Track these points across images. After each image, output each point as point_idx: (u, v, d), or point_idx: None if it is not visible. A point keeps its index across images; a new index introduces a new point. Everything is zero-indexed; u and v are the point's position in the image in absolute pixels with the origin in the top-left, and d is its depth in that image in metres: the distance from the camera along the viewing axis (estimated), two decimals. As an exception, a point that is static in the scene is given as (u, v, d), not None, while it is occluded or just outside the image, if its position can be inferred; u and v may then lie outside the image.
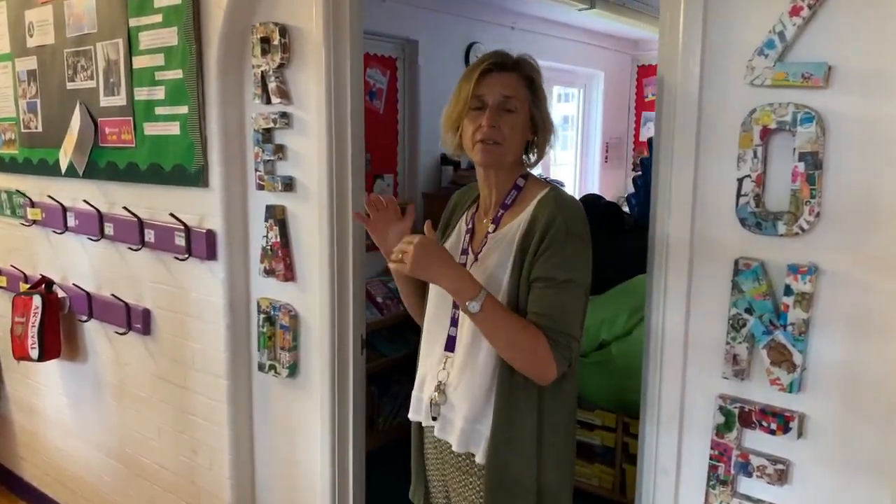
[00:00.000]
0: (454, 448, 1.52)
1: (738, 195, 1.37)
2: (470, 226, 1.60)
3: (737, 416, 1.42)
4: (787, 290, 1.33)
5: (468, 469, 1.54)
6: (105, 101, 2.58)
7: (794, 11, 1.27)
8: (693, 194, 1.44)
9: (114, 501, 2.93)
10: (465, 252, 1.57)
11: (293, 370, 2.24)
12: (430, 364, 1.59)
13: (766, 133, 1.32)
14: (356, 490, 2.24)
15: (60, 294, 2.93)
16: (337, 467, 2.19)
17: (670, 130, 1.46)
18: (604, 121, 6.57)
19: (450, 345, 1.54)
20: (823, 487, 1.35)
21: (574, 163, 6.59)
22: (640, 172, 4.92)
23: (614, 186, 6.77)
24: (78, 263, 2.86)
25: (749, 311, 1.38)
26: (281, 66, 2.10)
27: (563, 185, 5.01)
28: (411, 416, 1.66)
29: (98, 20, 2.54)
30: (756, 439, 1.41)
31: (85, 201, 2.69)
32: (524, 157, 1.56)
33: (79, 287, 2.83)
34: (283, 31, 2.08)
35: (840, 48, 1.25)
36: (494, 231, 1.51)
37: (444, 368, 1.54)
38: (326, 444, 2.18)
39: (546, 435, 1.48)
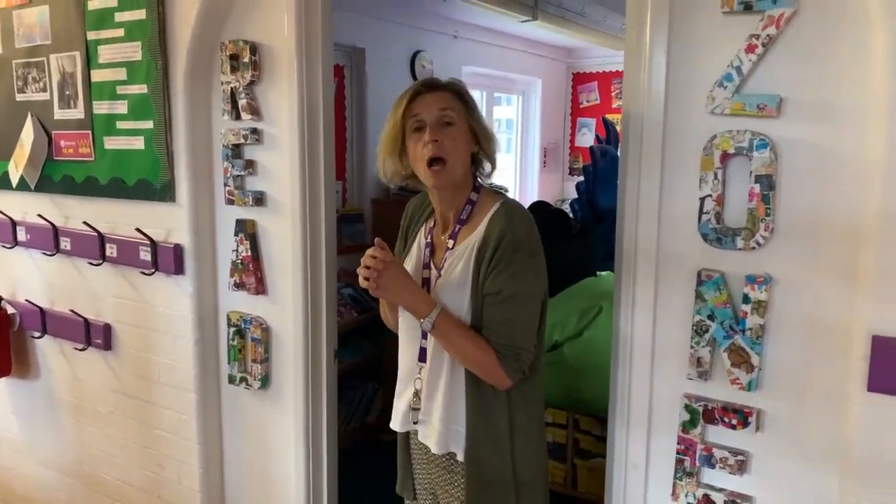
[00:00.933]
0: (434, 451, 1.60)
1: (701, 213, 1.51)
2: (429, 240, 1.65)
3: (701, 414, 1.56)
4: (745, 299, 1.47)
5: (452, 468, 1.62)
6: (60, 114, 2.54)
7: (750, 49, 1.41)
8: (659, 211, 1.57)
9: (71, 520, 2.88)
10: (426, 266, 1.62)
11: (265, 382, 2.28)
12: (405, 375, 1.67)
13: (726, 157, 1.46)
14: (330, 496, 2.29)
15: (10, 310, 2.85)
16: (312, 475, 2.24)
17: (637, 154, 1.58)
18: (542, 126, 6.77)
19: (422, 356, 1.61)
20: (779, 475, 1.50)
21: (514, 167, 6.77)
22: (581, 178, 5.11)
23: (552, 190, 6.99)
24: (29, 279, 2.80)
25: (711, 317, 1.52)
26: (251, 83, 2.13)
27: (506, 190, 5.15)
28: (392, 425, 1.72)
29: (52, 32, 2.51)
30: (718, 434, 1.55)
31: (39, 215, 2.63)
32: (478, 169, 1.62)
33: (31, 303, 2.77)
34: (254, 48, 2.11)
35: (791, 82, 1.40)
36: (453, 247, 1.57)
37: (419, 377, 1.62)
38: (301, 453, 2.23)
39: (518, 430, 1.56)
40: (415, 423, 1.65)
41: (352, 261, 4.29)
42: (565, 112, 7.11)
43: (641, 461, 1.67)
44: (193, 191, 2.26)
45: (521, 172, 6.79)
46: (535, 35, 5.78)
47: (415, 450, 1.73)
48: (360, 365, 4.04)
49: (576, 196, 4.93)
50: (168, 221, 2.32)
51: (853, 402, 1.35)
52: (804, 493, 1.48)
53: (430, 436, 1.60)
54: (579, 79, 7.00)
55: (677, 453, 1.60)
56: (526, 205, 4.39)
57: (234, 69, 2.15)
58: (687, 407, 1.57)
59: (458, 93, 1.55)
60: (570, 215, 4.76)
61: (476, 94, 6.12)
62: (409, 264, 1.67)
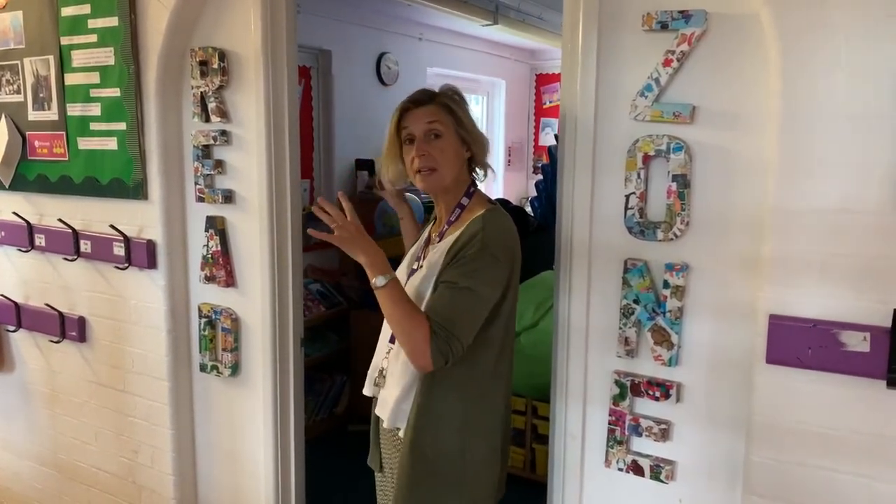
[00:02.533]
0: (384, 424, 1.74)
1: (626, 208, 1.69)
2: (427, 236, 1.81)
3: (629, 388, 1.74)
4: (665, 284, 1.66)
5: (396, 444, 1.76)
6: (34, 116, 2.64)
7: (667, 62, 1.59)
8: (590, 206, 1.75)
9: (46, 507, 2.98)
10: (418, 259, 1.77)
11: (235, 369, 2.41)
12: (379, 352, 1.82)
13: (647, 159, 1.64)
14: (297, 477, 2.44)
15: (-15, 305, 2.94)
16: (280, 457, 2.38)
17: (572, 155, 1.76)
18: (506, 126, 6.96)
19: (393, 337, 1.74)
20: (696, 440, 1.70)
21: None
22: (541, 177, 5.29)
23: (516, 188, 7.19)
24: (3, 274, 2.89)
25: (636, 301, 1.70)
26: (220, 87, 2.26)
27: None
28: (365, 391, 1.85)
29: (26, 36, 2.60)
30: (644, 405, 1.74)
31: (14, 213, 2.73)
32: (474, 173, 1.77)
33: (6, 297, 2.86)
34: (222, 55, 2.24)
35: (702, 93, 1.58)
36: (439, 243, 1.71)
37: (386, 357, 1.77)
38: (269, 436, 2.37)
39: (467, 414, 1.66)
40: (374, 397, 1.81)
41: (319, 257, 4.43)
42: (529, 112, 7.32)
43: (578, 432, 1.85)
44: (165, 189, 2.39)
45: (486, 171, 6.96)
46: (498, 38, 5.96)
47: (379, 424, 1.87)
48: (328, 358, 4.17)
49: (535, 194, 5.12)
50: (141, 218, 2.44)
51: (755, 373, 1.54)
52: (718, 456, 1.67)
53: (385, 410, 1.74)
54: (543, 80, 7.21)
55: (609, 424, 1.78)
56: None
57: (203, 74, 2.28)
58: (617, 382, 1.76)
59: (444, 105, 1.67)
60: (530, 212, 4.95)
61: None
62: (407, 257, 1.85)
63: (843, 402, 1.46)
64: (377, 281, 1.56)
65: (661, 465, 1.72)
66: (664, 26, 1.58)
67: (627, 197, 1.68)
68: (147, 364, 2.54)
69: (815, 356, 1.46)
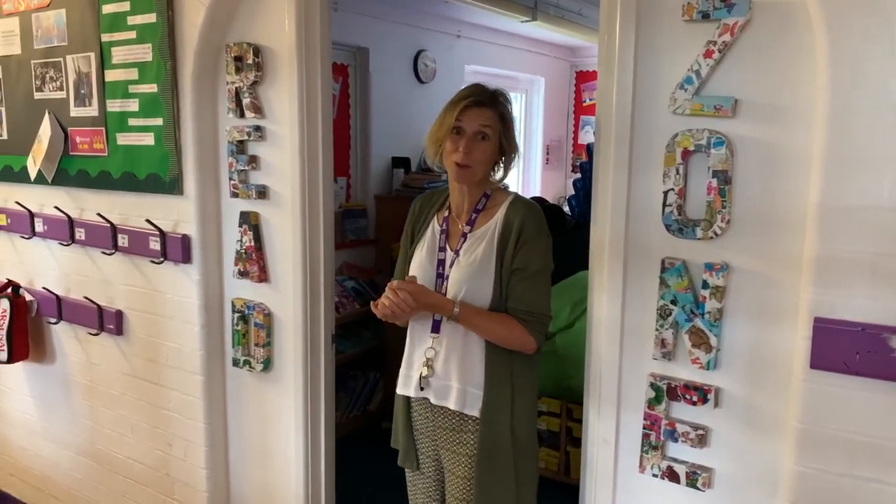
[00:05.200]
0: (452, 407, 1.80)
1: (664, 205, 1.63)
2: (443, 227, 1.87)
3: (665, 391, 1.68)
4: (704, 284, 1.59)
5: (462, 427, 1.81)
6: (76, 112, 2.69)
7: (708, 54, 1.53)
8: (627, 204, 1.69)
9: (84, 497, 3.03)
10: (442, 249, 1.85)
11: (267, 364, 2.42)
12: (418, 345, 1.87)
13: (687, 154, 1.58)
14: (328, 473, 2.43)
15: (28, 297, 3.01)
16: (310, 453, 2.38)
17: (608, 150, 1.71)
18: (544, 124, 6.88)
19: (435, 328, 1.82)
20: (735, 447, 1.63)
21: (517, 164, 6.87)
22: (579, 175, 5.21)
23: (554, 187, 7.10)
24: (46, 267, 2.95)
25: (674, 302, 1.64)
26: (255, 83, 2.27)
27: (507, 187, 5.25)
28: (400, 390, 1.92)
29: (69, 34, 2.65)
30: (681, 410, 1.68)
31: (56, 207, 2.79)
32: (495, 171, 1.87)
33: (48, 290, 2.92)
34: (257, 50, 2.25)
35: (745, 85, 1.52)
36: (471, 230, 1.81)
37: (431, 347, 1.82)
38: (300, 432, 2.37)
39: (520, 393, 1.79)
40: (422, 388, 1.83)
41: (354, 255, 4.43)
42: (568, 110, 7.22)
43: (612, 436, 1.79)
44: (200, 184, 2.41)
45: (523, 170, 6.91)
46: (537, 34, 5.89)
47: (418, 420, 1.90)
48: (361, 355, 4.18)
49: (573, 193, 5.05)
50: (176, 213, 2.47)
51: (798, 379, 1.47)
52: (758, 464, 1.60)
53: (450, 395, 1.80)
54: (583, 77, 7.11)
55: (644, 428, 1.73)
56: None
57: (238, 70, 2.28)
58: (652, 385, 1.70)
59: (500, 113, 1.79)
60: (568, 212, 4.88)
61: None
62: (422, 249, 1.88)
63: (892, 411, 1.38)
64: (454, 311, 1.74)
65: (698, 472, 1.66)
66: (706, 16, 1.52)
67: (665, 193, 1.62)
68: (181, 358, 2.56)
69: (862, 362, 1.38)
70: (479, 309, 1.76)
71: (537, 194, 6.45)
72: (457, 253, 1.81)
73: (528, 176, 6.93)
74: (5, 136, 2.97)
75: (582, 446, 1.89)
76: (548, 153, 7.00)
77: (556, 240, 3.98)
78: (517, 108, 6.78)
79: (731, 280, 1.58)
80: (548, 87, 6.80)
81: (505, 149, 1.83)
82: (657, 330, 1.68)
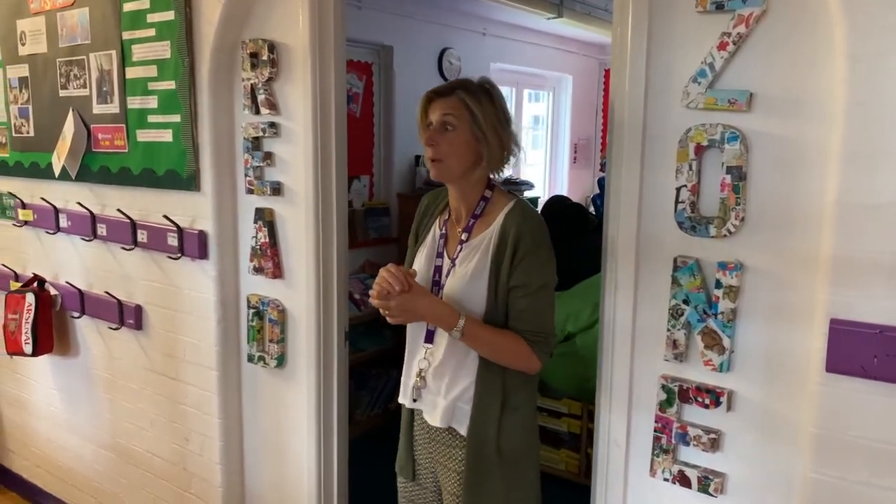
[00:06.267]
0: (437, 423, 1.73)
1: (677, 202, 1.58)
2: (443, 231, 1.78)
3: (676, 394, 1.63)
4: (718, 284, 1.54)
5: (452, 442, 1.75)
6: (98, 109, 2.72)
7: (722, 46, 1.48)
8: (639, 201, 1.65)
9: (106, 489, 3.08)
10: (440, 255, 1.76)
11: (281, 361, 2.42)
12: (413, 354, 1.81)
13: (700, 149, 1.54)
14: (340, 471, 2.43)
15: (52, 292, 3.06)
16: (322, 450, 2.38)
17: (620, 146, 1.67)
18: (572, 122, 6.81)
19: (429, 337, 1.75)
20: (749, 452, 1.57)
21: (544, 163, 6.82)
22: (604, 174, 5.15)
23: (582, 186, 7.02)
24: (69, 262, 3.00)
25: (686, 301, 1.59)
26: (269, 79, 2.27)
27: (532, 186, 5.21)
28: (399, 398, 1.87)
29: (91, 32, 2.69)
30: (692, 413, 1.63)
31: (79, 203, 2.83)
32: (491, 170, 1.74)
33: (71, 285, 2.97)
34: (272, 47, 2.25)
35: (760, 78, 1.46)
36: (467, 239, 1.71)
37: (424, 358, 1.75)
38: (312, 429, 2.36)
39: (510, 409, 1.69)
40: (414, 400, 1.77)
41: (377, 253, 4.43)
42: (597, 108, 7.14)
43: (623, 439, 1.75)
44: (217, 180, 2.42)
45: (550, 169, 6.85)
46: (564, 31, 5.83)
47: (418, 430, 1.85)
48: (382, 354, 4.17)
49: (598, 192, 4.98)
50: (193, 209, 2.48)
51: (814, 382, 1.42)
52: (772, 470, 1.55)
53: (436, 411, 1.73)
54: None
55: (655, 431, 1.68)
56: (546, 199, 4.48)
57: (253, 66, 2.29)
58: (664, 387, 1.65)
59: (463, 100, 1.65)
60: (592, 210, 4.83)
61: (504, 91, 6.20)
62: (423, 253, 1.80)
63: (913, 418, 1.32)
64: (454, 334, 1.62)
65: (710, 476, 1.61)
66: (720, 7, 1.47)
67: (678, 190, 1.58)
68: (198, 353, 2.57)
69: (881, 366, 1.32)
70: (486, 326, 1.64)
71: (563, 193, 6.39)
72: (453, 262, 1.72)
73: (555, 175, 6.86)
74: (32, 134, 3.03)
75: (593, 448, 1.86)
76: (575, 152, 6.93)
77: (578, 240, 3.95)
78: (544, 107, 6.72)
79: (745, 279, 1.53)
80: (576, 85, 6.73)
81: (480, 140, 1.66)
82: (669, 330, 1.63)
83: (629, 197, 1.67)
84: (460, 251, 1.72)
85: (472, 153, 1.67)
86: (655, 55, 1.59)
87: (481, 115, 1.65)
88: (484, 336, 1.63)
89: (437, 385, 1.73)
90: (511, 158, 1.74)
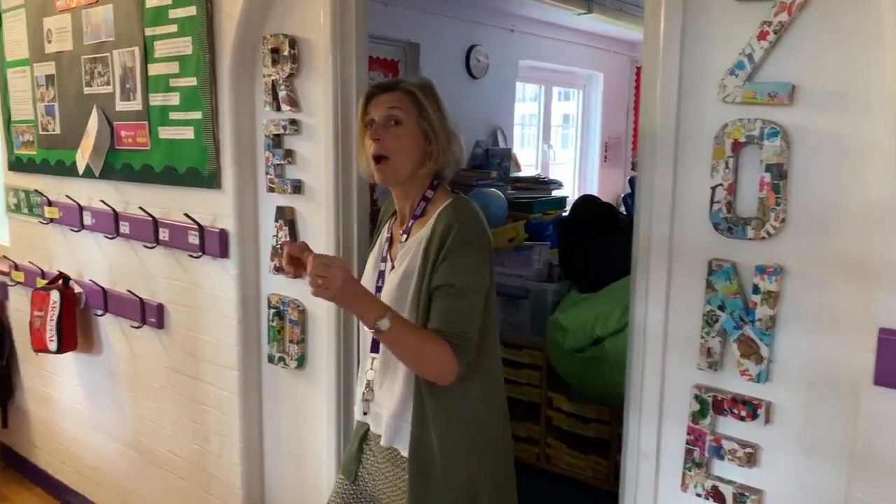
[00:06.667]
0: (381, 443, 1.64)
1: (712, 202, 1.49)
2: (389, 234, 1.71)
3: (710, 404, 1.55)
4: (756, 289, 1.45)
5: (395, 461, 1.64)
6: (121, 106, 2.71)
7: (762, 36, 1.39)
8: (672, 201, 1.56)
9: (127, 487, 3.07)
10: (384, 259, 1.67)
11: (301, 362, 2.38)
12: (363, 364, 1.72)
13: (737, 146, 1.45)
14: (360, 475, 2.37)
15: (77, 289, 3.06)
16: (342, 451, 2.32)
17: (652, 143, 1.58)
18: (603, 121, 6.69)
19: (374, 346, 1.64)
20: (788, 468, 1.48)
21: (574, 162, 6.72)
22: (635, 173, 5.03)
23: (612, 185, 6.90)
24: (94, 260, 2.99)
25: (721, 307, 1.50)
26: (290, 75, 2.22)
27: (561, 185, 5.12)
28: (356, 412, 1.75)
29: (115, 29, 2.67)
30: (728, 425, 1.54)
31: (102, 201, 2.82)
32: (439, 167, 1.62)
33: (95, 283, 2.97)
34: (293, 42, 2.20)
35: (803, 69, 1.37)
36: (406, 240, 1.61)
37: (371, 368, 1.66)
38: (332, 431, 2.31)
39: (463, 429, 1.57)
40: (364, 413, 1.69)
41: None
42: (628, 106, 7.01)
43: (653, 451, 1.67)
44: (238, 178, 2.38)
45: (580, 167, 6.74)
46: (595, 28, 5.72)
47: (371, 440, 1.74)
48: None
49: (629, 191, 4.87)
50: (214, 207, 2.45)
51: (861, 396, 1.32)
52: (814, 487, 1.45)
53: (380, 427, 1.64)
54: (643, 73, 6.88)
55: (687, 444, 1.59)
56: (575, 198, 4.37)
57: (274, 62, 2.25)
58: (697, 397, 1.57)
59: (409, 93, 1.57)
60: (623, 210, 4.71)
61: (533, 89, 6.11)
62: (371, 258, 1.74)
63: (970, 437, 1.22)
64: (381, 325, 1.41)
65: (746, 493, 1.52)
66: (760, -6, 1.38)
67: (714, 189, 1.49)
68: (219, 353, 2.54)
69: (935, 380, 1.23)
70: (412, 325, 1.49)
71: (594, 192, 6.27)
72: (394, 265, 1.62)
73: (584, 174, 6.76)
74: (58, 131, 3.03)
75: (621, 459, 1.77)
76: (606, 150, 6.81)
77: (607, 240, 3.83)
78: (574, 105, 6.61)
79: (785, 284, 1.43)
80: (607, 83, 6.61)
81: (429, 135, 1.56)
82: (703, 337, 1.54)
83: (661, 196, 1.58)
84: (398, 253, 1.63)
85: (418, 150, 1.57)
86: (689, 46, 1.50)
87: (429, 107, 1.57)
88: (408, 338, 1.46)
89: (381, 397, 1.64)
90: (458, 163, 1.63)
